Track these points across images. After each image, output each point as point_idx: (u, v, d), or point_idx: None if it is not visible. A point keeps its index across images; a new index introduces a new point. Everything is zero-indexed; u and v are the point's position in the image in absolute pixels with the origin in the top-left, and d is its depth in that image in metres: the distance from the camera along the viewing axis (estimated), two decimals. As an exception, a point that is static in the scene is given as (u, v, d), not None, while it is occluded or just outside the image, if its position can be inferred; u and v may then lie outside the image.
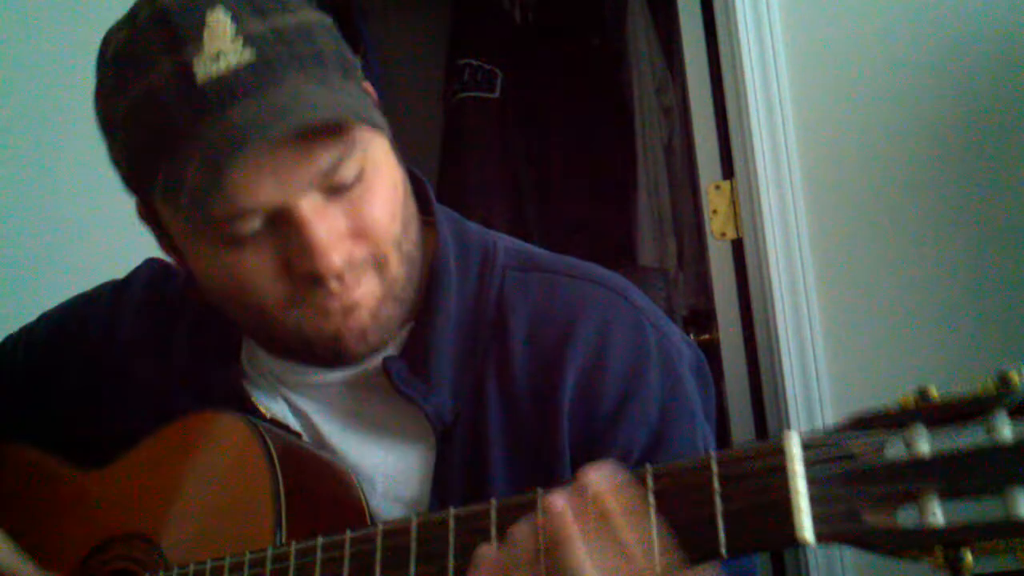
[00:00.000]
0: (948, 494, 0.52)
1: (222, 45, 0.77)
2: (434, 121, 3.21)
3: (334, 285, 0.82)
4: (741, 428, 2.09)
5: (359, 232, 0.83)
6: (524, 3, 3.13)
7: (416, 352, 0.91)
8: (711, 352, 2.16)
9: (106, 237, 1.71)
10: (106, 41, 0.85)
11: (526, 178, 3.05)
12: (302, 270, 0.82)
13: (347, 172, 0.81)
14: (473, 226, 1.01)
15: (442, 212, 0.98)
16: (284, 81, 0.78)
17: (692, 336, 2.58)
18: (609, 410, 0.89)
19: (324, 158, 0.79)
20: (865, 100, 1.98)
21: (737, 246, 2.11)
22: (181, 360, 1.00)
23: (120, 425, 0.99)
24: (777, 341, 1.99)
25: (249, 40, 0.78)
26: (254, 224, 0.80)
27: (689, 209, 2.85)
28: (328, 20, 0.86)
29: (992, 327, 1.89)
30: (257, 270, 0.82)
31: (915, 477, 0.53)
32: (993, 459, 0.52)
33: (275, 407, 0.97)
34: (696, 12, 2.17)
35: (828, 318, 1.98)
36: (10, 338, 1.14)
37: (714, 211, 2.14)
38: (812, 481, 0.57)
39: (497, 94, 3.02)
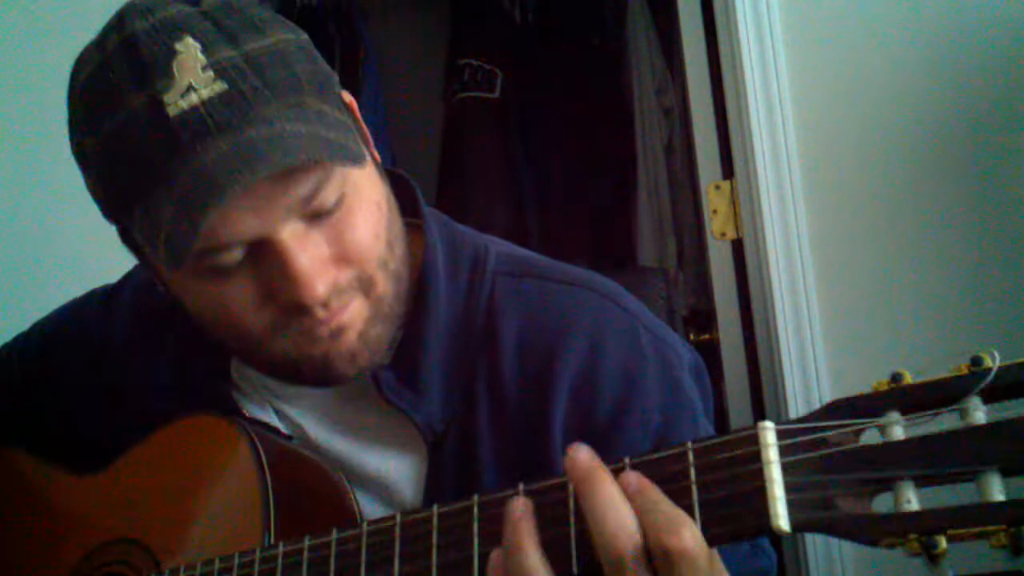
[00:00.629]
0: (923, 480, 0.52)
1: (193, 77, 0.75)
2: (434, 121, 3.22)
3: (320, 312, 0.81)
4: (741, 428, 2.08)
5: (343, 256, 0.82)
6: (524, 3, 3.13)
7: (405, 362, 0.90)
8: (711, 352, 2.16)
9: (106, 238, 1.71)
10: (76, 69, 0.82)
11: (526, 178, 3.05)
12: (286, 299, 0.80)
13: (327, 198, 0.79)
14: (464, 229, 0.99)
15: (432, 215, 0.97)
16: (257, 115, 0.75)
17: (692, 336, 2.58)
18: (606, 417, 0.88)
19: (302, 188, 0.77)
20: (865, 100, 1.98)
21: (737, 246, 2.11)
22: (171, 370, 0.99)
23: (114, 430, 0.99)
24: (777, 341, 1.99)
25: (220, 70, 0.75)
26: (235, 255, 0.79)
27: (689, 209, 2.85)
28: (302, 37, 0.84)
29: (992, 327, 1.88)
30: (241, 300, 0.81)
31: (889, 463, 0.53)
32: (966, 443, 0.51)
33: (265, 418, 0.96)
34: (696, 12, 2.17)
35: (828, 318, 1.98)
36: (4, 347, 1.14)
37: (714, 211, 2.13)
38: (787, 469, 0.57)
39: (497, 94, 3.02)
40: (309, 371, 0.86)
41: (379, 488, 0.93)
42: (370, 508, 0.92)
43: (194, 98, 0.74)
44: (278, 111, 0.76)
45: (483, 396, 0.90)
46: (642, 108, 2.87)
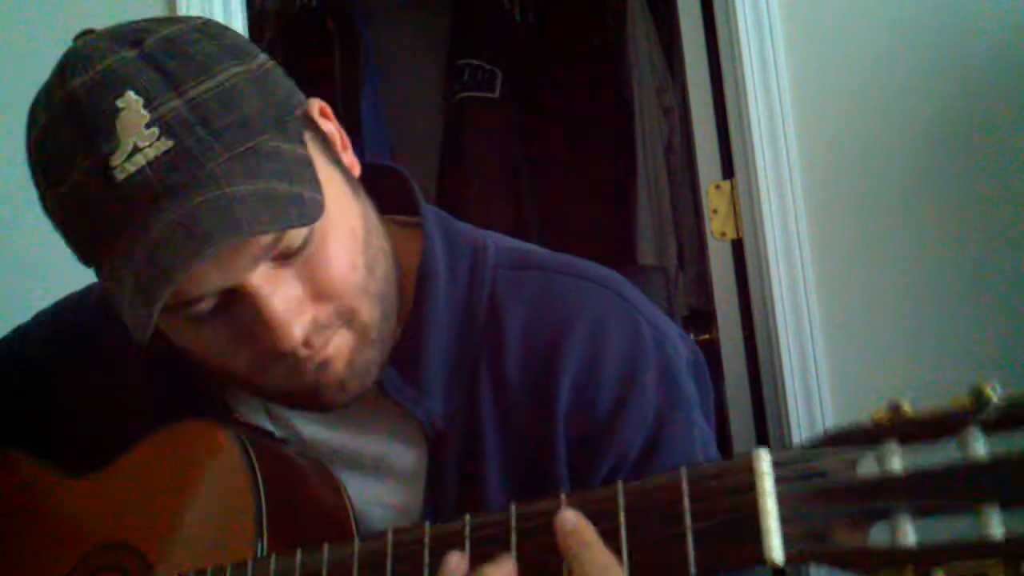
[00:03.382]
0: (920, 512, 0.52)
1: (137, 136, 0.72)
2: (434, 121, 3.22)
3: (302, 352, 0.79)
4: (741, 428, 2.09)
5: (318, 293, 0.80)
6: (524, 3, 3.13)
7: (406, 358, 0.89)
8: (711, 352, 2.16)
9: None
10: (29, 123, 0.80)
11: (526, 178, 3.05)
12: (265, 344, 0.78)
13: (293, 239, 0.77)
14: (463, 225, 0.98)
15: (430, 212, 0.95)
16: (205, 172, 0.73)
17: (692, 336, 2.57)
18: (606, 412, 0.87)
19: (265, 237, 0.75)
20: (865, 100, 1.98)
21: (737, 246, 2.11)
22: (166, 368, 0.97)
23: (109, 431, 0.98)
24: (777, 341, 1.99)
25: (164, 125, 0.73)
26: (207, 304, 0.77)
27: (689, 209, 2.85)
28: (255, 63, 0.79)
29: (992, 326, 1.88)
30: (221, 343, 0.80)
31: (886, 495, 0.53)
32: (965, 477, 0.51)
33: (257, 420, 0.96)
34: (696, 12, 2.17)
35: (828, 318, 1.98)
36: (3, 339, 1.13)
37: (714, 211, 2.13)
38: (782, 499, 0.56)
39: (497, 94, 3.02)
40: (300, 399, 0.85)
41: (379, 487, 0.92)
42: (371, 508, 0.91)
43: (140, 160, 0.72)
44: (227, 166, 0.74)
45: (486, 392, 0.89)
46: (642, 108, 2.87)
